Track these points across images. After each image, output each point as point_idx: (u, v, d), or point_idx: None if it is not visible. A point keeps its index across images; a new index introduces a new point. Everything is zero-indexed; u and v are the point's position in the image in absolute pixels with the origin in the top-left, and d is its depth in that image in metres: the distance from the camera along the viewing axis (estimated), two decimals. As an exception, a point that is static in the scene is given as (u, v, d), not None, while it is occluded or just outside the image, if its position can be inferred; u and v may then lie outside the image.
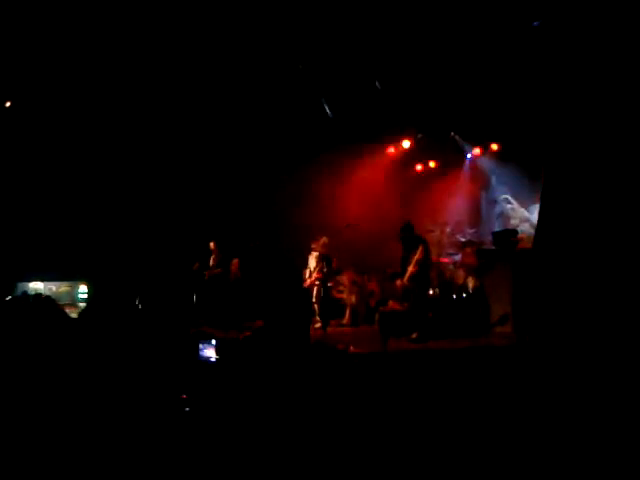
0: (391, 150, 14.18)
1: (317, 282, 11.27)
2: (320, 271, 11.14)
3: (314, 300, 11.28)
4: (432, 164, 14.44)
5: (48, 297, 10.93)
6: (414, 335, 9.07)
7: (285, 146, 12.94)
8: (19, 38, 9.54)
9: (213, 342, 3.79)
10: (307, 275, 11.45)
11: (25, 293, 11.18)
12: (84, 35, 9.70)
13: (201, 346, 3.81)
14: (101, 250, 12.74)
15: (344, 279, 12.42)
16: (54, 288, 12.52)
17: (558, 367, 6.13)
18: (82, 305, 12.14)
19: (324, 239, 11.03)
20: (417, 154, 14.17)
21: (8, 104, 11.65)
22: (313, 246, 11.42)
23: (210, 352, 3.78)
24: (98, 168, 12.89)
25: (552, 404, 4.88)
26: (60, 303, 11.16)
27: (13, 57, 9.92)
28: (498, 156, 13.45)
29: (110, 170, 12.96)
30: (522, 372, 6.19)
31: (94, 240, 12.80)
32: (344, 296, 12.21)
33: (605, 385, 5.18)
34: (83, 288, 12.65)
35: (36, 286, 12.34)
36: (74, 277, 12.73)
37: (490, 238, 11.24)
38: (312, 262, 11.40)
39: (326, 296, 11.33)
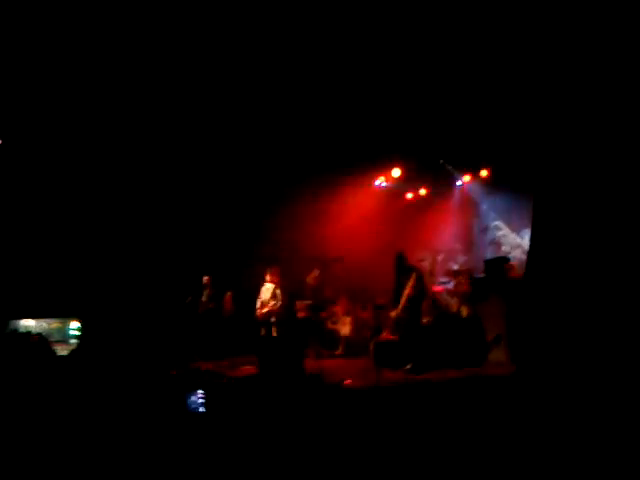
0: (382, 183, 14.19)
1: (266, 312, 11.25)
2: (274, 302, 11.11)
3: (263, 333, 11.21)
4: (422, 192, 14.48)
5: (40, 335, 10.87)
6: (408, 366, 9.00)
7: (274, 179, 12.92)
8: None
9: (200, 392, 3.64)
10: (258, 305, 11.39)
11: (16, 331, 11.07)
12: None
13: (189, 397, 3.64)
14: (93, 285, 12.66)
15: (338, 309, 12.36)
16: (45, 325, 12.40)
17: (552, 395, 6.09)
18: (73, 342, 12.04)
19: (315, 271, 10.96)
20: (407, 182, 14.20)
21: None
22: (267, 277, 11.38)
23: (198, 402, 3.61)
24: (87, 202, 12.86)
25: (547, 432, 4.84)
26: (51, 340, 11.13)
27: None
28: (488, 182, 13.50)
29: (99, 205, 12.93)
30: (518, 402, 6.14)
31: (85, 276, 12.72)
32: (338, 327, 12.14)
33: (600, 411, 5.15)
34: (74, 324, 12.54)
35: (27, 323, 12.21)
36: (65, 313, 12.62)
37: (482, 265, 11.22)
38: (266, 293, 11.36)
39: (319, 327, 11.25)
